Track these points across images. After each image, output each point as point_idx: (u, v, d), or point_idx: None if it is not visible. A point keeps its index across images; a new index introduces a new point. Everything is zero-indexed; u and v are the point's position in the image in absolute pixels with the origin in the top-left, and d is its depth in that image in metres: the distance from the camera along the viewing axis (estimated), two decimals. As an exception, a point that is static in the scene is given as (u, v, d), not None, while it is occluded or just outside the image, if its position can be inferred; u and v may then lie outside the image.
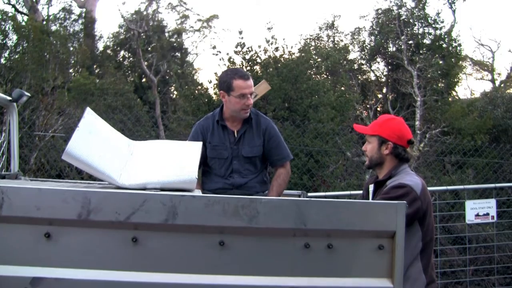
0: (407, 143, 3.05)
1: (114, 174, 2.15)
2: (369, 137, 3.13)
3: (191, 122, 10.10)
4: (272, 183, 3.82)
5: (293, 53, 12.14)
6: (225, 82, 3.68)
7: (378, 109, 15.54)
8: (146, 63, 18.50)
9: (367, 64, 16.48)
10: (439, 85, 14.70)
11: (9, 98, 3.46)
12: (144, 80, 19.44)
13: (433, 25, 15.38)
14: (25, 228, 1.74)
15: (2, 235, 1.73)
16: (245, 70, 11.22)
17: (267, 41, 11.66)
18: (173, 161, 2.29)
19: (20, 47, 12.10)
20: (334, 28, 18.05)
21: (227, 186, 3.74)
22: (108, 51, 19.98)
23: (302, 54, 12.46)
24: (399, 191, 2.84)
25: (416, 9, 15.38)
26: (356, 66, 16.29)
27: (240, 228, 1.81)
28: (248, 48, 11.46)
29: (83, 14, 18.33)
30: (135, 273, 1.78)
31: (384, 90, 16.26)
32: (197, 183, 3.68)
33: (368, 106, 15.37)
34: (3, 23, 12.24)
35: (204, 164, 3.82)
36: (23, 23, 12.97)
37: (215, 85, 11.37)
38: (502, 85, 24.17)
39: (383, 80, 16.47)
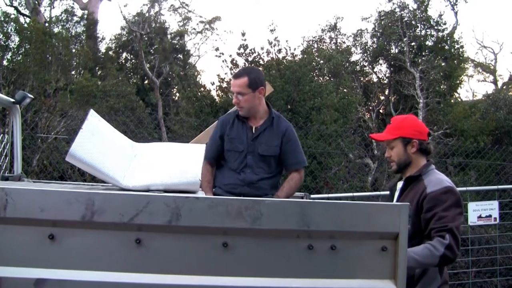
0: (427, 136, 3.08)
1: (117, 175, 2.15)
2: (390, 142, 3.11)
3: (193, 124, 10.12)
4: (283, 184, 3.83)
5: (296, 55, 12.16)
6: None
7: (381, 111, 15.53)
8: (148, 65, 18.48)
9: (370, 66, 16.47)
10: (441, 87, 14.71)
11: (12, 100, 3.47)
12: (146, 82, 19.42)
13: (436, 27, 15.38)
14: (29, 230, 1.74)
15: (6, 236, 1.74)
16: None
17: (270, 43, 11.68)
18: (176, 163, 2.30)
19: (23, 49, 12.12)
20: (337, 30, 18.07)
21: (238, 181, 3.75)
22: (110, 53, 19.96)
23: (305, 56, 12.47)
24: (452, 197, 2.88)
25: (419, 11, 15.38)
26: (358, 68, 16.28)
27: (244, 230, 1.81)
28: (251, 50, 11.49)
29: (85, 16, 18.34)
30: (139, 274, 1.78)
31: (387, 92, 16.24)
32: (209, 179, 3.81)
33: (370, 108, 15.36)
34: (5, 25, 12.27)
35: (221, 158, 3.88)
36: (26, 25, 12.98)
37: (217, 87, 11.40)
38: (504, 87, 24.17)
39: (386, 82, 16.46)
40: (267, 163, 3.79)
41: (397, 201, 3.16)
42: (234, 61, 11.57)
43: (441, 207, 2.83)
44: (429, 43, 15.39)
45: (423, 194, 2.91)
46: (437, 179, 2.96)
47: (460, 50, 15.55)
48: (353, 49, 16.84)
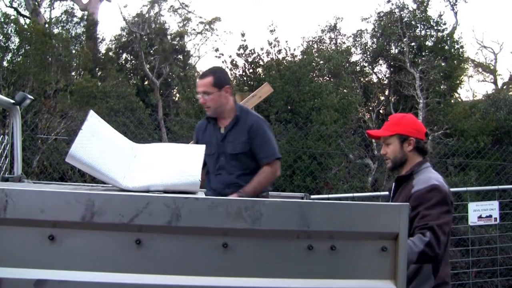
0: (425, 136, 3.07)
1: (117, 176, 2.15)
2: (387, 139, 3.10)
3: (193, 125, 10.10)
4: (253, 178, 3.78)
5: (296, 56, 12.17)
6: None
7: (381, 111, 15.52)
8: (148, 65, 18.46)
9: (370, 67, 16.47)
10: (441, 87, 14.71)
11: (12, 101, 3.48)
12: (146, 82, 19.40)
13: (435, 27, 15.39)
14: (29, 231, 1.73)
15: (6, 237, 1.73)
16: (247, 72, 11.28)
17: (270, 44, 11.68)
18: (176, 164, 2.29)
19: (23, 50, 12.12)
20: (336, 31, 18.06)
21: (219, 184, 3.82)
22: (110, 54, 19.94)
23: (305, 57, 12.47)
24: (437, 195, 2.86)
25: (418, 11, 15.38)
26: (358, 69, 16.27)
27: (244, 230, 1.81)
28: (250, 50, 11.49)
29: (85, 17, 18.33)
30: (139, 275, 1.77)
31: (387, 92, 16.24)
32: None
33: (370, 108, 15.36)
34: (5, 26, 12.26)
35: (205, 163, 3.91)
36: (26, 26, 12.98)
37: (217, 88, 11.39)
38: (504, 87, 24.18)
39: (386, 82, 16.46)
40: (238, 161, 3.81)
41: (390, 201, 3.16)
42: (234, 62, 11.58)
43: (425, 206, 2.82)
44: (429, 43, 15.39)
45: (409, 193, 2.91)
46: (426, 177, 2.95)
47: (460, 50, 15.57)
48: (353, 49, 16.84)
